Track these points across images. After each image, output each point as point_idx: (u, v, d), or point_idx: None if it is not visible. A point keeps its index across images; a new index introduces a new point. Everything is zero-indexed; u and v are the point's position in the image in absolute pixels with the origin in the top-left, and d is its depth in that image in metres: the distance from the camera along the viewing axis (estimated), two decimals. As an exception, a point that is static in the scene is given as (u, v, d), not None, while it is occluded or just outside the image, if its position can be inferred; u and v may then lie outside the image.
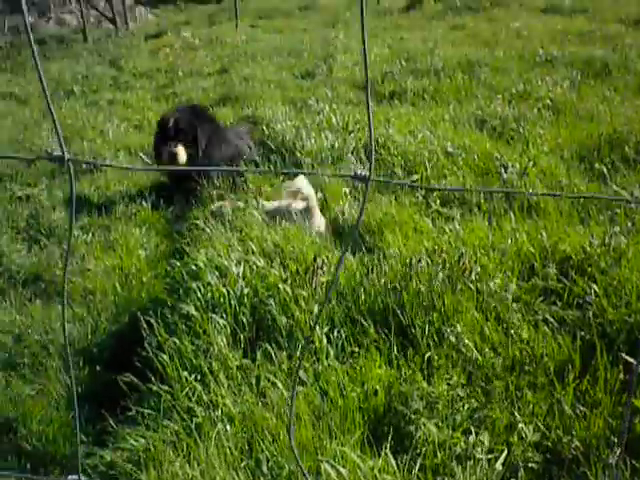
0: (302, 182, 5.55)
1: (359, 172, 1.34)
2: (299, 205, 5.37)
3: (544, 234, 4.57)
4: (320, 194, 5.76)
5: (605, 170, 5.92)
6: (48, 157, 1.40)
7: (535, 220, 5.15)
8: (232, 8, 22.60)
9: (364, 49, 1.31)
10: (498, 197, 5.52)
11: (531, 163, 5.99)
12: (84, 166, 7.93)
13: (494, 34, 13.12)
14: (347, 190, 5.80)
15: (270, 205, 5.52)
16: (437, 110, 8.27)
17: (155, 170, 7.43)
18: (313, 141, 6.86)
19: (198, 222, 5.39)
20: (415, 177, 5.96)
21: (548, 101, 8.13)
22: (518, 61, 10.54)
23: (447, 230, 4.85)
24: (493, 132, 7.30)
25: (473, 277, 4.07)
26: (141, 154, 8.04)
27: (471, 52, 11.40)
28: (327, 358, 3.65)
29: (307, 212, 5.32)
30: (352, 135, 7.11)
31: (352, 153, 6.64)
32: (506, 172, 5.89)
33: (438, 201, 5.52)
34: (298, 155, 6.61)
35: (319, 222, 5.39)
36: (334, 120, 7.67)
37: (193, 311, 3.95)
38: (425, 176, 5.97)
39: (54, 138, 9.22)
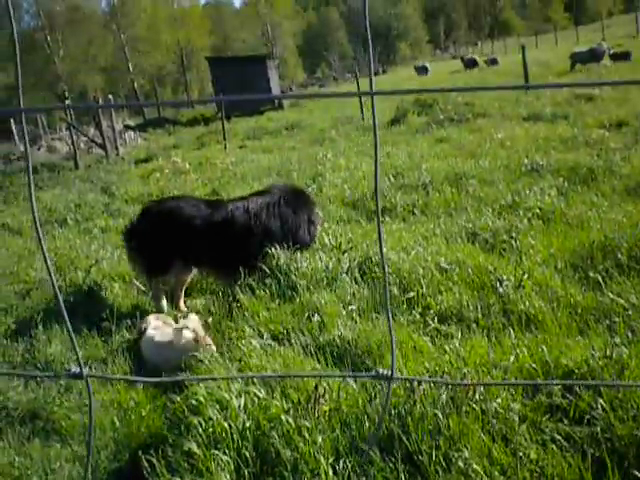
0: (193, 319, 5.97)
1: (381, 371, 1.32)
2: (187, 335, 5.73)
3: (545, 348, 4.53)
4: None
5: (600, 278, 5.92)
6: (67, 374, 1.40)
7: (534, 334, 5.11)
8: (220, 130, 23.10)
9: (375, 168, 1.33)
10: (495, 312, 5.51)
11: (526, 275, 5.99)
12: (79, 297, 7.92)
13: (479, 145, 13.37)
14: (344, 311, 5.78)
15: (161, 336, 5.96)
16: (428, 225, 8.35)
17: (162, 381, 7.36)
18: (308, 262, 6.86)
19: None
20: (411, 294, 5.94)
21: (537, 210, 8.20)
22: (504, 171, 10.69)
23: (447, 349, 4.81)
24: (485, 244, 7.33)
25: (477, 397, 4.01)
26: (135, 281, 8.03)
27: (457, 164, 11.59)
28: (334, 491, 3.56)
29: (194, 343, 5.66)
30: (346, 255, 7.13)
31: (347, 273, 6.64)
32: (501, 286, 5.89)
33: (436, 318, 5.50)
34: (293, 278, 6.60)
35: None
36: (327, 240, 7.71)
37: (195, 448, 3.86)
38: (421, 293, 5.96)
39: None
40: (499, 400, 3.96)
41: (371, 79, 1.36)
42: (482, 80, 31.71)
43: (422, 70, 51.45)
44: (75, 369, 1.34)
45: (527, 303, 5.55)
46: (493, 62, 50.05)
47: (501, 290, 5.83)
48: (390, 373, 1.29)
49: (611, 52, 30.01)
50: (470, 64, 49.24)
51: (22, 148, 34.73)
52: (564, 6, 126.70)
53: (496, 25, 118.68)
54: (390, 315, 1.35)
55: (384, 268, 1.33)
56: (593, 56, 29.58)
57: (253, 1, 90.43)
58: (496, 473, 3.52)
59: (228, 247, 7.03)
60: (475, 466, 3.53)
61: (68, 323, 1.40)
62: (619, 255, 6.30)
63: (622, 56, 29.15)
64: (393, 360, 1.32)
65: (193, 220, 7.01)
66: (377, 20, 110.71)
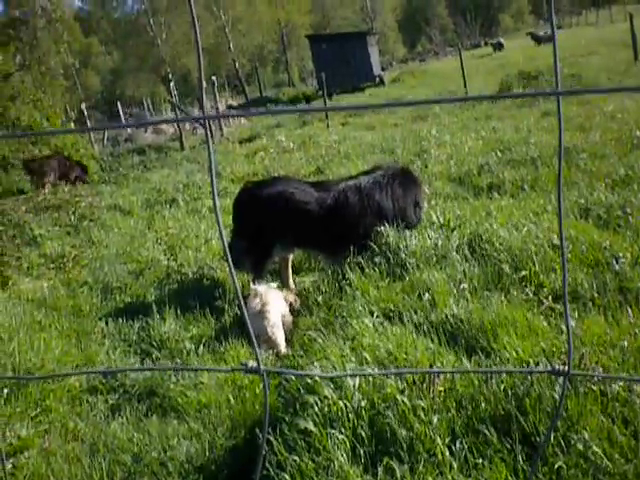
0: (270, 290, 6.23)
1: (557, 367, 1.29)
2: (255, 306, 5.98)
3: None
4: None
5: None
6: (244, 369, 1.43)
7: (653, 312, 4.97)
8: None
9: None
10: (611, 290, 5.36)
11: (644, 252, 5.82)
12: (190, 275, 8.09)
13: (587, 118, 12.99)
14: (455, 290, 5.73)
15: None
16: (538, 201, 8.15)
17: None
18: (416, 240, 6.83)
19: (310, 332, 5.39)
20: (524, 273, 5.84)
21: (652, 185, 7.94)
22: (616, 144, 10.34)
23: (563, 329, 4.72)
24: (599, 220, 7.12)
25: (595, 379, 3.91)
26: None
27: (566, 138, 11.29)
28: (450, 471, 3.55)
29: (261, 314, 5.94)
30: (455, 232, 7.06)
31: (456, 251, 6.57)
32: (617, 263, 5.72)
33: (550, 297, 5.39)
34: (402, 256, 6.57)
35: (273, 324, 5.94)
36: (434, 217, 7.64)
37: (312, 427, 3.90)
38: (533, 271, 5.84)
39: (159, 249, 9.47)
40: (620, 382, 3.86)
41: (556, 71, 1.31)
42: (591, 49, 30.77)
43: (498, 46, 50.40)
44: (253, 364, 1.36)
45: (645, 283, 5.39)
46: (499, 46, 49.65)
47: (617, 267, 5.66)
48: (567, 369, 1.26)
49: None
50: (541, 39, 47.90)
51: (129, 130, 35.67)
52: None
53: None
54: (567, 308, 1.32)
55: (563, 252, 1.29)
56: None
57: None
58: (616, 455, 3.44)
59: (340, 228, 7.04)
60: (595, 448, 3.46)
61: (246, 317, 1.43)
62: None
63: None
64: (570, 355, 1.28)
65: (304, 204, 7.02)
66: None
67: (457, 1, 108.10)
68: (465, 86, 22.71)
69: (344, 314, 5.72)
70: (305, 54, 68.44)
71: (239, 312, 6.66)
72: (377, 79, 39.79)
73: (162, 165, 18.96)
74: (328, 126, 21.34)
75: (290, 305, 6.41)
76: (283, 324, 6.05)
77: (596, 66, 21.78)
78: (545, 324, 4.94)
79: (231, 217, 8.00)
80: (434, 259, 6.50)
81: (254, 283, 6.51)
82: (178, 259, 8.62)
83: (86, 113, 30.40)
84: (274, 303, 6.06)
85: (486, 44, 74.55)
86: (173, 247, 9.22)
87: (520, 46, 48.96)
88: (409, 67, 60.20)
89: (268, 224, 7.11)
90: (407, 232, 7.01)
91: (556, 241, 6.37)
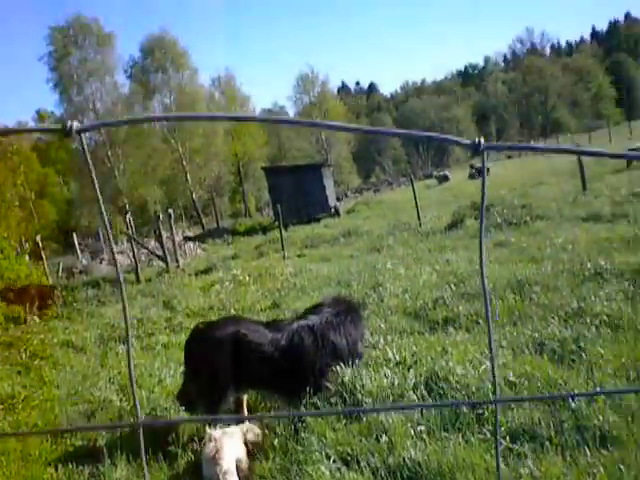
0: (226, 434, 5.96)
1: None
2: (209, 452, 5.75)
3: (622, 467, 4.37)
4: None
5: (676, 389, 5.74)
6: (120, 425, 1.41)
7: (611, 451, 4.95)
8: (278, 239, 23.36)
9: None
10: (569, 429, 5.35)
11: (597, 389, 5.83)
12: (143, 417, 7.90)
13: (539, 249, 13.26)
14: (412, 431, 5.67)
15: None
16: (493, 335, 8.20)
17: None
18: (373, 380, 6.79)
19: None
20: (481, 412, 5.81)
21: (604, 317, 8.04)
22: (568, 276, 10.51)
23: (522, 472, 4.67)
24: (553, 355, 7.17)
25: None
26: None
27: (519, 269, 11.47)
28: None
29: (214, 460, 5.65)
30: (411, 370, 7.04)
31: (413, 390, 6.54)
32: (573, 400, 5.73)
33: (507, 437, 5.36)
34: (359, 396, 6.52)
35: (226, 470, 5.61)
36: (391, 354, 7.63)
37: None
38: (491, 410, 5.82)
39: (111, 388, 9.29)
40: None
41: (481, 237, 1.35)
42: (541, 179, 31.66)
43: (443, 178, 51.93)
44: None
45: (601, 418, 5.38)
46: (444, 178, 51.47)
47: (573, 405, 5.67)
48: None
49: (669, 147, 29.83)
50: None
51: (84, 262, 35.57)
52: (615, 101, 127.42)
53: (548, 124, 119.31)
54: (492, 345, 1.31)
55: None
56: (650, 152, 29.40)
57: (307, 110, 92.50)
58: None
59: (295, 369, 6.95)
60: None
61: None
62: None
63: (680, 151, 28.96)
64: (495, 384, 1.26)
65: (258, 346, 6.95)
66: (429, 124, 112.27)
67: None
68: (419, 217, 23.10)
69: (300, 459, 5.61)
70: (262, 185, 69.60)
71: (193, 458, 6.49)
72: (332, 210, 40.37)
73: (117, 300, 18.81)
74: (284, 257, 21.49)
75: (250, 447, 6.25)
76: (239, 470, 5.88)
77: (545, 196, 22.37)
78: (503, 466, 4.89)
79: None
80: (391, 399, 6.45)
81: (210, 427, 6.36)
82: (131, 399, 8.44)
83: (41, 245, 30.21)
84: (229, 448, 5.90)
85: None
86: (126, 386, 9.05)
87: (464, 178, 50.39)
88: (364, 197, 61.28)
89: (221, 367, 7.00)
90: (363, 371, 6.98)
91: (512, 378, 6.39)
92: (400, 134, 1.38)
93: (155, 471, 6.47)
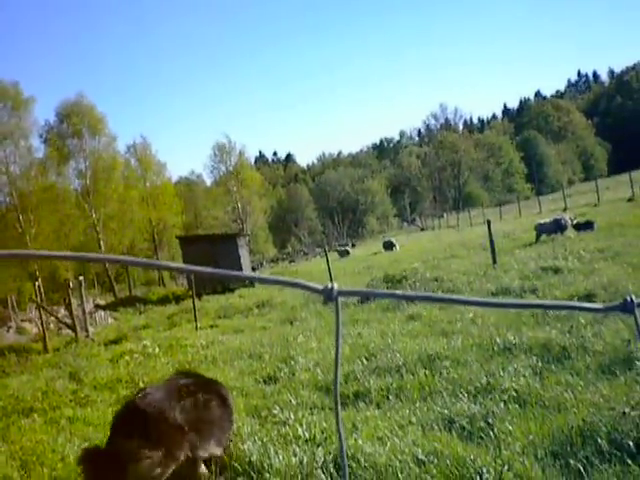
0: None
1: None
2: None
3: None
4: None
5: (581, 467, 5.77)
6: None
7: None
8: (191, 309, 23.10)
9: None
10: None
11: (506, 467, 5.83)
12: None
13: (450, 322, 13.36)
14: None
15: None
16: (403, 411, 8.16)
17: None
18: (281, 458, 6.66)
19: None
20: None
21: (513, 392, 8.09)
22: (477, 350, 10.60)
23: None
24: (462, 432, 7.16)
25: None
26: None
27: (430, 344, 11.52)
28: None
29: None
30: (320, 448, 6.94)
31: (322, 469, 6.43)
32: (482, 479, 5.71)
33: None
34: (267, 476, 6.38)
35: None
36: (300, 431, 7.52)
37: None
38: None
39: (13, 465, 8.90)
40: None
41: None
42: (452, 252, 32.21)
43: (389, 245, 52.25)
44: None
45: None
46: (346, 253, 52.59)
47: (482, 484, 5.66)
48: None
49: (574, 222, 30.73)
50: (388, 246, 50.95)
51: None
52: (526, 177, 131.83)
53: (460, 197, 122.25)
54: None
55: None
56: (557, 227, 30.23)
57: (224, 179, 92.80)
58: None
59: None
60: None
61: None
62: (599, 440, 6.17)
63: (585, 226, 29.82)
64: None
65: None
66: (344, 195, 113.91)
67: (325, 204, 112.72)
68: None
69: None
70: (176, 252, 69.15)
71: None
72: (247, 280, 40.16)
73: (22, 370, 18.21)
74: (197, 328, 21.23)
75: None
76: None
77: (457, 269, 22.70)
78: None
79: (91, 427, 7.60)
80: (299, 478, 6.33)
81: None
82: (32, 478, 8.10)
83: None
84: None
85: (353, 245, 77.24)
86: (27, 464, 8.69)
87: (367, 252, 51.00)
88: (279, 267, 61.43)
89: None
90: (271, 448, 6.85)
91: (421, 456, 6.35)
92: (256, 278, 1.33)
93: None
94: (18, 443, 9.95)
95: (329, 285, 1.29)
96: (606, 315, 11.37)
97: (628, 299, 1.31)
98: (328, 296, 1.29)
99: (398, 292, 1.44)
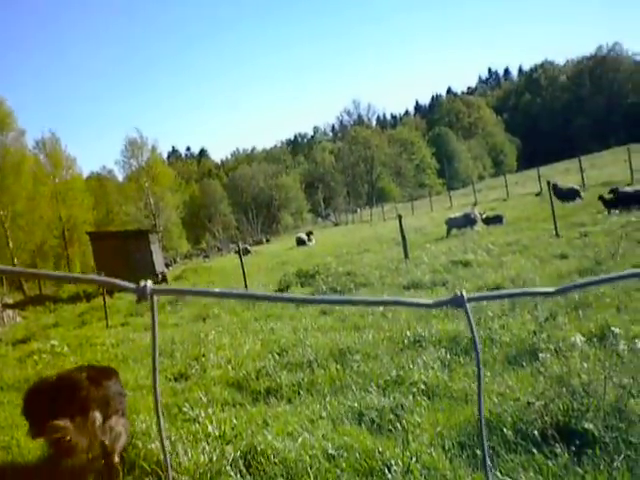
0: None
1: None
2: None
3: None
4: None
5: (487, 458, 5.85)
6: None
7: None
8: (102, 307, 22.72)
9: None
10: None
11: (414, 459, 5.89)
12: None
13: (361, 316, 13.43)
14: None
15: None
16: (314, 406, 8.16)
17: None
18: (190, 455, 6.59)
19: None
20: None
21: (422, 385, 8.18)
22: (388, 344, 10.68)
23: None
24: (372, 425, 7.20)
25: None
26: None
27: (341, 338, 11.56)
28: None
29: None
30: (230, 445, 6.89)
31: (231, 465, 6.38)
32: (390, 471, 5.76)
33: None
34: (174, 475, 6.30)
35: None
36: (210, 428, 7.46)
37: None
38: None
39: None
40: None
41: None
42: (366, 246, 32.45)
43: (302, 241, 52.28)
44: None
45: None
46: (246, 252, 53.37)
47: (389, 476, 5.69)
48: None
49: (484, 216, 31.35)
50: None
51: None
52: (437, 172, 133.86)
53: (373, 192, 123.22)
54: None
55: None
56: (467, 221, 30.82)
57: (136, 175, 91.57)
58: None
59: None
60: None
61: None
62: (505, 430, 6.28)
63: (495, 220, 30.46)
64: None
65: None
66: (259, 191, 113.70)
67: (240, 199, 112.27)
68: (246, 285, 23.11)
69: None
70: (87, 250, 67.79)
71: None
72: (160, 276, 39.79)
73: None
74: (107, 326, 20.90)
75: None
76: None
77: (369, 264, 22.87)
78: None
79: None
80: (208, 475, 6.27)
81: None
82: None
83: None
84: None
85: (267, 241, 77.21)
86: None
87: (282, 247, 51.06)
88: (193, 263, 60.86)
89: None
90: (179, 446, 6.78)
91: (331, 450, 6.36)
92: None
93: None
94: None
95: (142, 283, 1.25)
96: (513, 308, 11.63)
97: (459, 293, 1.32)
98: (142, 294, 1.25)
99: (215, 290, 1.43)
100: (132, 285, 1.24)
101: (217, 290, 1.50)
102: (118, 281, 1.23)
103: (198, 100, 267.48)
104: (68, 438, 6.58)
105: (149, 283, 1.23)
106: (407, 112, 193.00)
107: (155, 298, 1.27)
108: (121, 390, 7.61)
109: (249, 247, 57.14)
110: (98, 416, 6.87)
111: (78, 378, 7.17)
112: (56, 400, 6.86)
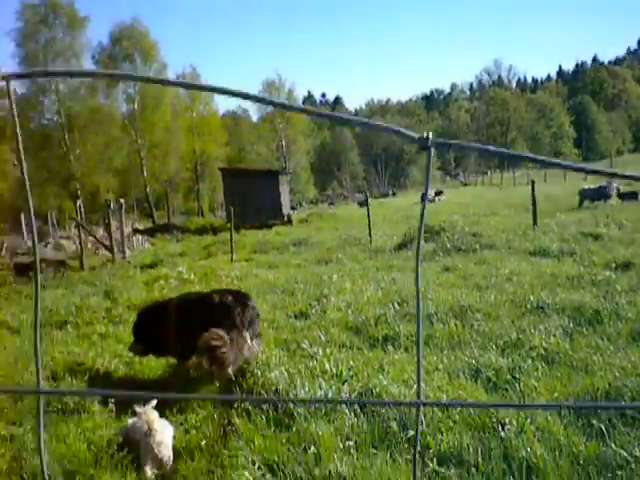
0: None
1: None
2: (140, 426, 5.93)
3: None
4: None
5: (603, 428, 5.79)
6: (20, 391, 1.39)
7: (535, 482, 4.98)
8: (228, 241, 23.22)
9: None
10: (496, 457, 5.37)
11: (528, 420, 5.87)
12: (71, 405, 7.74)
13: (484, 277, 13.32)
14: (341, 445, 5.65)
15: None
16: (430, 357, 8.21)
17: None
18: (307, 389, 6.77)
19: None
20: (411, 433, 5.81)
21: (542, 350, 8.10)
22: (510, 307, 10.58)
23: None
24: (488, 383, 7.21)
25: None
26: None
27: (462, 296, 11.52)
28: None
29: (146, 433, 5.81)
30: (346, 384, 7.03)
31: (346, 404, 6.51)
32: (503, 429, 5.76)
33: (435, 459, 5.36)
34: (291, 405, 6.49)
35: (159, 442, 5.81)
36: (328, 366, 7.61)
37: None
38: (420, 431, 5.82)
39: (42, 373, 9.10)
40: None
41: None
42: (493, 209, 32.03)
43: (364, 202, 52.12)
44: None
45: (529, 449, 5.41)
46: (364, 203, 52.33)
47: (503, 434, 5.70)
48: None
49: (620, 191, 30.33)
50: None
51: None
52: (574, 142, 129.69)
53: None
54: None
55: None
56: (602, 194, 29.90)
57: (270, 116, 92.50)
58: None
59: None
60: None
61: None
62: (623, 404, 6.18)
63: (630, 195, 29.44)
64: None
65: None
66: (389, 143, 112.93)
67: (370, 150, 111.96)
68: (370, 235, 23.16)
69: (225, 463, 5.56)
70: (217, 185, 69.26)
71: (120, 437, 6.37)
72: (285, 218, 40.36)
73: (58, 285, 18.50)
74: (232, 260, 21.39)
75: None
76: (163, 465, 5.85)
77: (496, 227, 22.56)
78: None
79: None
80: (323, 410, 6.43)
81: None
82: (60, 386, 8.27)
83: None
84: (159, 421, 5.94)
85: (394, 194, 76.99)
86: (57, 373, 8.90)
87: (407, 202, 50.83)
88: (318, 209, 61.36)
89: None
90: (297, 380, 6.97)
91: (445, 401, 6.40)
92: (353, 121, 1.33)
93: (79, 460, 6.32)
94: (50, 354, 10.16)
95: (424, 134, 1.29)
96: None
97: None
98: (423, 143, 1.29)
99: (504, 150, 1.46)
100: (415, 135, 1.28)
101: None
102: (401, 129, 1.27)
103: (336, 44, 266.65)
104: (223, 350, 7.11)
105: (431, 134, 1.27)
106: (549, 77, 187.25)
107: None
108: (258, 314, 8.53)
109: (370, 199, 57.12)
110: (248, 335, 7.74)
111: (229, 298, 8.15)
112: (212, 315, 7.84)
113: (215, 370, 7.63)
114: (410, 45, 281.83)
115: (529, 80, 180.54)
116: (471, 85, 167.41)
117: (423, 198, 1.40)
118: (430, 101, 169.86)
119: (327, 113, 1.29)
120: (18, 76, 1.11)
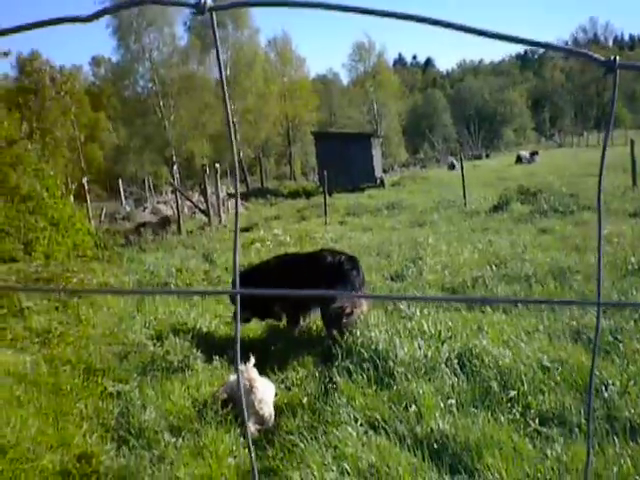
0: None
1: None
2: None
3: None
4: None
5: None
6: (219, 292, 1.45)
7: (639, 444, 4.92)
8: (321, 204, 23.35)
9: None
10: (599, 417, 5.32)
11: (632, 382, 5.78)
12: (175, 364, 7.98)
13: (583, 239, 13.07)
14: (442, 404, 5.69)
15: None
16: (530, 319, 8.15)
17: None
18: (406, 349, 6.81)
19: (292, 436, 5.31)
20: (512, 393, 5.80)
21: (644, 312, 7.94)
22: (610, 268, 10.36)
23: (548, 454, 4.66)
24: (589, 344, 7.11)
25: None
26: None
27: (561, 258, 11.36)
28: None
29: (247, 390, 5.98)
30: (445, 344, 7.04)
31: (446, 364, 6.55)
32: (606, 390, 5.70)
33: (537, 419, 5.35)
34: (391, 364, 6.55)
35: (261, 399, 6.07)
36: (426, 327, 7.64)
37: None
38: (522, 392, 5.81)
39: (146, 333, 9.39)
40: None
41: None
42: (590, 170, 31.31)
43: (451, 166, 51.31)
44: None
45: (632, 411, 5.34)
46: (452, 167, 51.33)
47: (606, 395, 5.64)
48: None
49: None
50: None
51: (128, 208, 35.86)
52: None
53: (603, 116, 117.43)
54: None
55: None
56: None
57: (361, 79, 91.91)
58: None
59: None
60: None
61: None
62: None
63: None
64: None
65: None
66: (483, 103, 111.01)
67: (462, 112, 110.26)
68: (465, 197, 22.96)
69: (328, 420, 5.66)
70: (309, 149, 69.45)
71: (224, 394, 6.55)
72: (378, 181, 40.27)
73: (157, 247, 18.98)
74: (326, 223, 21.52)
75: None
76: (264, 419, 6.02)
77: (593, 187, 22.03)
78: (530, 447, 4.89)
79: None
80: (423, 370, 6.47)
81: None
82: (165, 346, 8.52)
83: (86, 187, 30.57)
84: (260, 379, 6.13)
85: (487, 156, 75.89)
86: (160, 332, 9.16)
87: (501, 164, 50.12)
88: (410, 172, 61.03)
89: None
90: (397, 340, 7.01)
91: (546, 362, 6.36)
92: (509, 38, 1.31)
93: (183, 417, 6.52)
94: (152, 314, 10.46)
95: (611, 57, 1.27)
96: None
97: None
98: (609, 66, 1.27)
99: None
100: (601, 57, 1.27)
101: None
102: (587, 52, 1.26)
103: (429, 8, 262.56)
104: (349, 310, 7.34)
105: (617, 57, 1.26)
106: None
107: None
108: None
109: (454, 161, 56.43)
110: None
111: (342, 258, 8.48)
112: (327, 276, 8.15)
113: (336, 333, 7.78)
114: (505, 6, 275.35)
115: (626, 38, 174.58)
116: (566, 43, 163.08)
117: (605, 137, 1.37)
118: (524, 60, 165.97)
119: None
120: (219, 8, 1.14)
